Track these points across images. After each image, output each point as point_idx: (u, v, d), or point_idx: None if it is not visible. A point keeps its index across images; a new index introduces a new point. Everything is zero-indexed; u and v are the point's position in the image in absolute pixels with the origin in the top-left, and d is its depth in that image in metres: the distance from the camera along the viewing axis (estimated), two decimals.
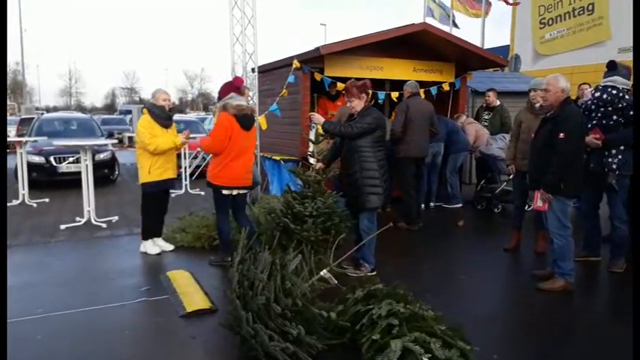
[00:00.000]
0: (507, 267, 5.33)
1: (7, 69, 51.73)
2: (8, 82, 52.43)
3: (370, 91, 4.75)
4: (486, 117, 8.34)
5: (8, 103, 44.61)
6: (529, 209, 6.04)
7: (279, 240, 3.79)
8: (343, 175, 4.81)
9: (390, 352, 2.75)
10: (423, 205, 6.93)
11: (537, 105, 5.35)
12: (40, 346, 3.40)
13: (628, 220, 4.80)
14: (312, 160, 4.99)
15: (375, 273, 4.68)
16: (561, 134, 4.14)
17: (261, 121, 7.02)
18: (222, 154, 4.79)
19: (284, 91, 7.17)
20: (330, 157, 5.01)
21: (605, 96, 4.71)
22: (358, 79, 4.75)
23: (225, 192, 4.88)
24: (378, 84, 7.77)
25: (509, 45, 17.20)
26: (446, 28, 12.65)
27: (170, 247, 5.63)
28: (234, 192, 4.93)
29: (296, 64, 6.99)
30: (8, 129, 18.80)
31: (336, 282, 3.31)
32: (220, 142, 4.75)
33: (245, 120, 4.84)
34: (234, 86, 5.31)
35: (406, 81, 7.74)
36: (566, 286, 4.37)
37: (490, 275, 4.97)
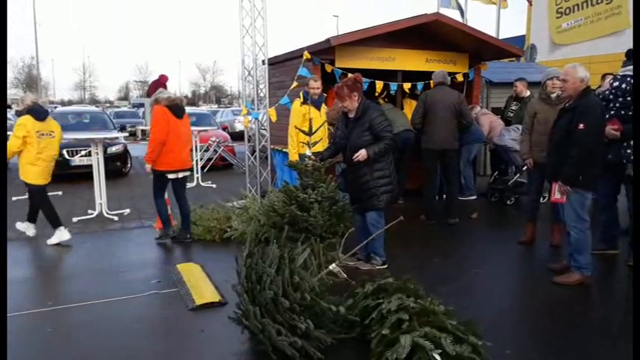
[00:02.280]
0: (522, 260, 5.23)
1: (22, 63, 52.36)
2: (23, 76, 53.09)
3: (361, 85, 4.59)
4: (513, 108, 8.01)
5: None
6: (544, 201, 5.93)
7: (287, 233, 3.72)
8: (349, 173, 4.67)
9: (399, 348, 2.69)
10: (437, 197, 6.84)
11: (554, 95, 5.22)
12: (50, 338, 3.41)
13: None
14: (307, 152, 4.90)
15: (386, 266, 4.63)
16: (581, 125, 4.01)
17: (270, 113, 6.97)
18: (166, 142, 5.30)
19: (295, 83, 7.09)
20: (327, 156, 4.77)
21: (624, 85, 4.57)
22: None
23: (170, 176, 5.45)
24: (390, 75, 7.67)
25: (524, 35, 16.91)
26: (457, 16, 12.50)
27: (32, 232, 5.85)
28: (180, 175, 5.53)
29: (306, 55, 6.91)
30: None
31: (346, 276, 3.25)
32: (163, 130, 5.26)
33: (177, 109, 5.40)
34: (160, 83, 5.85)
35: (419, 72, 7.66)
36: (583, 280, 4.28)
37: (504, 269, 4.88)
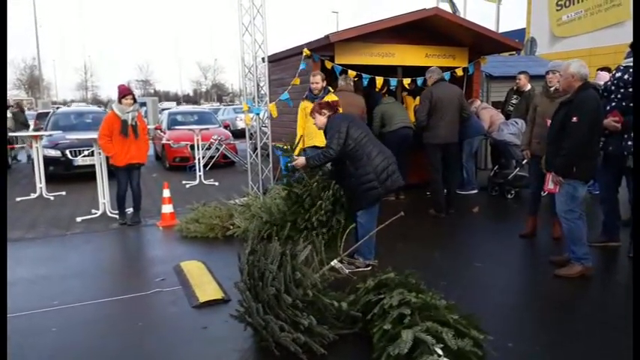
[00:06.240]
0: (523, 253, 5.25)
1: (24, 64, 52.46)
2: (25, 77, 53.19)
3: (333, 107, 4.65)
4: (514, 101, 7.99)
5: (26, 97, 45.43)
6: (545, 194, 5.94)
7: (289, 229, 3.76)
8: (337, 180, 4.66)
9: (401, 343, 2.71)
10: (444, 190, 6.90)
11: (552, 88, 5.23)
12: (56, 338, 3.44)
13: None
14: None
15: (369, 268, 4.40)
16: (574, 118, 4.06)
17: (271, 108, 6.99)
18: None
19: (296, 79, 7.11)
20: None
21: (626, 76, 4.57)
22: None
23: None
24: (389, 70, 7.68)
25: (524, 28, 16.87)
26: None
27: None
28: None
29: (306, 52, 6.92)
30: None
31: (347, 272, 3.28)
32: None
33: None
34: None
35: (418, 67, 7.66)
36: (584, 272, 4.29)
37: (506, 262, 4.89)
